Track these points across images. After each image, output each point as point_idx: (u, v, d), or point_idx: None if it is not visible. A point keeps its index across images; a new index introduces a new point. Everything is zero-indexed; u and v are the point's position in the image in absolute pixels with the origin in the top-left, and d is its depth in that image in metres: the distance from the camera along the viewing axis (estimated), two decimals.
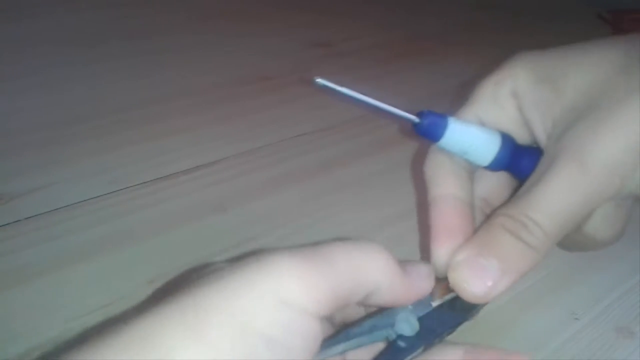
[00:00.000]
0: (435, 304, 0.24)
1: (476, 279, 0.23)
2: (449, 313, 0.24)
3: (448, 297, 0.25)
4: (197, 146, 0.50)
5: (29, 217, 0.40)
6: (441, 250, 0.26)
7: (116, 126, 0.52)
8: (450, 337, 0.25)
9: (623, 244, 0.42)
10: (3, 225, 0.39)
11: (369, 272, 0.21)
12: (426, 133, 0.27)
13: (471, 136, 0.27)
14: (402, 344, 0.23)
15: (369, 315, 0.24)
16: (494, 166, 0.28)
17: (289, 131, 0.53)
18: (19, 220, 0.40)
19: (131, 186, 0.44)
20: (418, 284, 0.23)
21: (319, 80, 0.27)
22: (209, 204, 0.43)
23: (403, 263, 0.23)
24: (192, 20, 0.80)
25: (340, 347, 0.22)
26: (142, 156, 0.48)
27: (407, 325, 0.23)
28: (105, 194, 0.43)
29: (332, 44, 0.75)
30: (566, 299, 0.37)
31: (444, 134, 0.27)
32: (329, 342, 0.22)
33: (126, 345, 0.17)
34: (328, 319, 0.23)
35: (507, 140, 0.28)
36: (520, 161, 0.28)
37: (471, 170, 0.29)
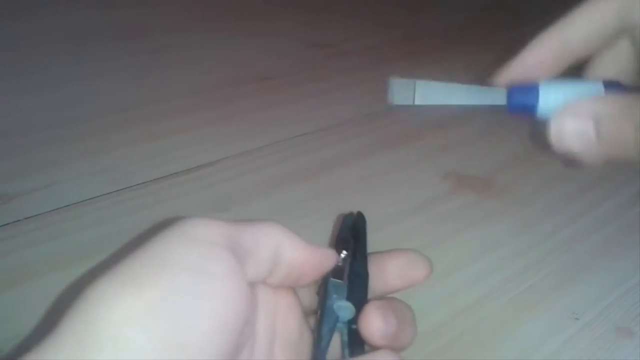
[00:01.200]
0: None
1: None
2: (356, 276, 0.27)
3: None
4: (197, 146, 0.50)
5: (29, 217, 0.40)
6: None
7: (116, 126, 0.52)
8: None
9: (623, 244, 0.42)
10: (3, 225, 0.39)
11: (269, 233, 0.24)
12: (520, 110, 0.26)
13: (570, 95, 0.25)
14: (354, 326, 0.25)
15: (316, 328, 0.26)
16: None
17: (289, 131, 0.53)
18: (19, 220, 0.40)
19: (131, 186, 0.44)
20: (321, 250, 0.25)
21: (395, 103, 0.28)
22: (209, 204, 0.43)
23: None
24: (192, 20, 0.80)
25: None
26: (142, 156, 0.48)
27: (346, 311, 0.26)
28: (105, 194, 0.43)
29: (332, 44, 0.75)
30: (566, 299, 0.37)
31: (538, 105, 0.25)
32: None
33: (75, 312, 0.18)
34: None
35: (610, 86, 0.26)
36: None
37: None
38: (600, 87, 0.26)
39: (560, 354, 0.33)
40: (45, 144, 0.49)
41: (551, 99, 0.25)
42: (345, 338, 0.25)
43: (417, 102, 0.27)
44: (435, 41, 0.79)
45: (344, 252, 0.27)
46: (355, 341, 0.25)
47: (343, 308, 0.26)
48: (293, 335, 0.25)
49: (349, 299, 0.26)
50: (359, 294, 0.27)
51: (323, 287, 0.26)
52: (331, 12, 0.87)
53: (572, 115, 0.24)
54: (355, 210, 0.30)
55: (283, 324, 0.25)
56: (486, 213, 0.45)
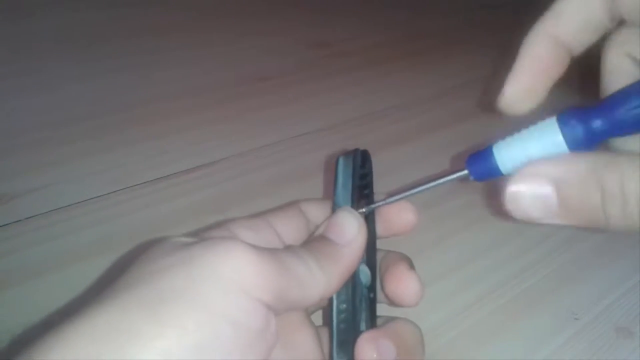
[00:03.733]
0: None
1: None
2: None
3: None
4: (197, 146, 0.50)
5: (29, 217, 0.40)
6: (517, 86, 0.25)
7: (116, 126, 0.52)
8: None
9: (623, 243, 0.42)
10: (3, 225, 0.39)
11: (316, 288, 0.22)
12: (486, 177, 0.25)
13: (526, 148, 0.23)
14: (371, 294, 0.26)
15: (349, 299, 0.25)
16: (576, 149, 0.23)
17: (289, 131, 0.53)
18: (19, 220, 0.40)
19: (131, 186, 0.44)
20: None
21: (369, 207, 0.27)
22: (209, 204, 0.43)
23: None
24: (192, 20, 0.80)
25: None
26: (142, 156, 0.48)
27: (366, 277, 0.26)
28: (105, 194, 0.43)
29: (332, 44, 0.75)
30: (566, 299, 0.37)
31: (499, 168, 0.24)
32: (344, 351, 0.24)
33: (96, 337, 0.18)
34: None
35: (567, 121, 0.22)
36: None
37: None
38: (556, 129, 0.22)
39: (560, 354, 0.33)
40: (44, 144, 0.49)
41: (508, 158, 0.24)
42: (363, 306, 0.26)
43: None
44: (435, 41, 0.80)
45: (365, 208, 0.27)
46: (372, 311, 0.25)
47: (364, 273, 0.26)
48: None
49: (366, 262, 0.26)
50: (372, 257, 0.27)
51: None
52: (331, 12, 0.87)
53: (529, 181, 0.22)
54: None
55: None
56: (486, 213, 0.45)
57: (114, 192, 0.44)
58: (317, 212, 0.29)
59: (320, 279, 0.22)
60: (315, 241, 0.24)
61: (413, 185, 0.26)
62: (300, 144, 0.52)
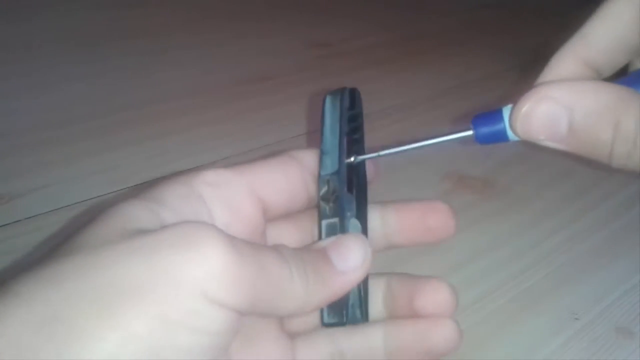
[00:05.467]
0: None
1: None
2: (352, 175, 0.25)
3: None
4: (197, 146, 0.50)
5: (29, 217, 0.40)
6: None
7: (116, 126, 0.52)
8: None
9: (623, 244, 0.42)
10: (3, 225, 0.39)
11: (289, 302, 0.20)
12: (489, 139, 0.23)
13: None
14: None
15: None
16: None
17: (289, 131, 0.53)
18: (19, 220, 0.40)
19: (131, 186, 0.44)
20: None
21: (358, 158, 0.25)
22: None
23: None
24: (192, 21, 0.80)
25: None
26: (142, 156, 0.48)
27: (356, 229, 0.24)
28: (105, 194, 0.43)
29: (332, 44, 0.75)
30: (566, 299, 0.37)
31: (506, 130, 0.23)
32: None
33: (34, 327, 0.16)
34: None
35: None
36: None
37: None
38: None
39: (560, 354, 0.33)
40: (45, 144, 0.49)
41: None
42: None
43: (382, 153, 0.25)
44: (435, 41, 0.79)
45: (354, 157, 0.25)
46: None
47: (354, 227, 0.24)
48: None
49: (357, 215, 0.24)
50: (362, 209, 0.25)
51: (334, 199, 0.24)
52: (331, 12, 0.87)
53: (545, 102, 0.21)
54: None
55: None
56: (486, 213, 0.45)
57: (114, 192, 0.44)
58: (315, 162, 0.26)
59: (299, 296, 0.20)
60: (312, 252, 0.22)
61: (412, 141, 0.25)
62: (300, 144, 0.52)
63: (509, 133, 0.22)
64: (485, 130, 0.23)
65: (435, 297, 0.25)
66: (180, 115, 0.55)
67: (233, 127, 0.54)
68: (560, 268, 0.39)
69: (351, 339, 0.25)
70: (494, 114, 0.23)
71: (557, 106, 0.21)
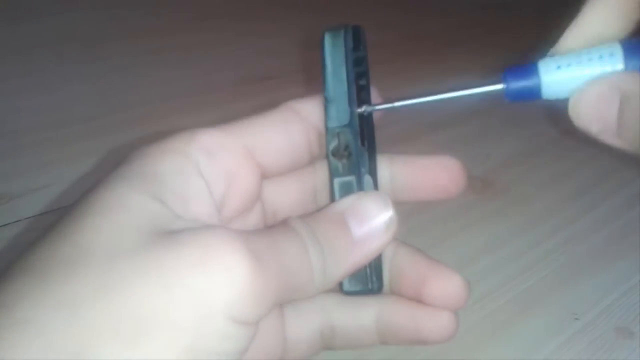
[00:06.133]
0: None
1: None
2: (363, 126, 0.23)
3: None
4: None
5: (29, 217, 0.40)
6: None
7: (116, 126, 0.52)
8: None
9: (623, 244, 0.42)
10: (3, 226, 0.39)
11: (308, 292, 0.19)
12: (521, 96, 0.21)
13: (580, 70, 0.20)
14: None
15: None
16: None
17: None
18: (19, 220, 0.40)
19: None
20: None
21: (369, 108, 0.23)
22: None
23: None
24: (192, 21, 0.80)
25: None
26: None
27: (369, 187, 0.22)
28: None
29: None
30: (566, 299, 0.37)
31: (541, 87, 0.21)
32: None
33: (51, 348, 0.14)
34: None
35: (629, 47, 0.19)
36: None
37: None
38: (619, 58, 0.19)
39: (560, 354, 0.33)
40: (45, 144, 0.49)
41: (554, 80, 0.20)
42: None
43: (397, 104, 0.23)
44: (435, 41, 0.79)
45: (365, 107, 0.22)
46: None
47: (368, 185, 0.22)
48: None
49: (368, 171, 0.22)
50: (373, 164, 0.23)
51: (347, 155, 0.22)
52: (330, 12, 0.87)
53: (596, 88, 0.19)
54: None
55: None
56: (486, 213, 0.45)
57: None
58: (319, 113, 0.23)
59: (318, 281, 0.19)
60: (327, 222, 0.20)
61: (431, 92, 0.22)
62: None
63: (544, 90, 0.20)
64: (518, 85, 0.21)
65: (447, 289, 0.23)
66: (181, 115, 0.55)
67: None
68: (560, 268, 0.39)
69: (344, 313, 0.24)
70: (529, 67, 0.21)
71: (612, 89, 0.18)
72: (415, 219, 0.43)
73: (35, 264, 0.17)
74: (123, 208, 0.18)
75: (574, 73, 0.20)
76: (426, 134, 0.55)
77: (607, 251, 0.41)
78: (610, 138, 0.19)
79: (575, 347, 0.33)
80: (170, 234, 0.17)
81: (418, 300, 0.23)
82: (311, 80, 0.65)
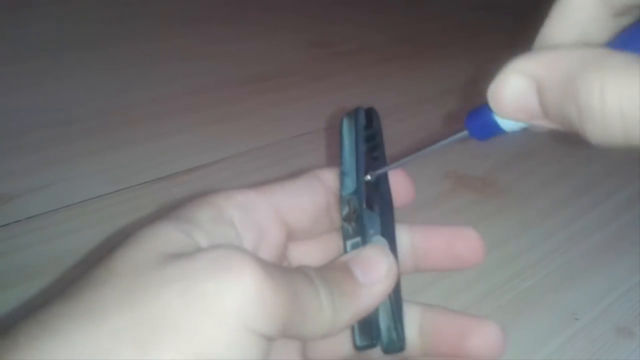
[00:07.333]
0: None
1: None
2: (375, 193, 0.25)
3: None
4: (197, 146, 0.50)
5: (29, 217, 0.40)
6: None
7: (116, 126, 0.52)
8: None
9: (623, 244, 0.42)
10: (3, 226, 0.39)
11: (317, 327, 0.20)
12: (485, 135, 0.22)
13: None
14: None
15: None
16: None
17: (289, 131, 0.53)
18: (19, 220, 0.40)
19: (131, 186, 0.44)
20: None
21: (370, 175, 0.25)
22: None
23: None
24: (192, 21, 0.80)
25: None
26: (142, 156, 0.48)
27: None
28: (105, 194, 0.43)
29: (331, 44, 0.75)
30: (566, 299, 0.37)
31: (500, 125, 0.21)
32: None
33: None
34: None
35: None
36: None
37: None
38: None
39: (560, 354, 0.33)
40: (45, 144, 0.49)
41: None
42: None
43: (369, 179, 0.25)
44: (435, 41, 0.79)
45: (369, 174, 0.24)
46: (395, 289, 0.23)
47: (379, 243, 0.24)
48: None
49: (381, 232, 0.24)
50: (389, 227, 0.24)
51: (355, 218, 0.24)
52: (331, 12, 0.87)
53: (514, 75, 0.18)
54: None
55: None
56: (486, 213, 0.45)
57: (114, 192, 0.43)
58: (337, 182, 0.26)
59: (328, 317, 0.20)
60: (335, 270, 0.21)
61: (413, 151, 0.25)
62: (300, 144, 0.52)
63: (502, 123, 0.21)
64: (476, 125, 0.22)
65: (489, 339, 0.24)
66: (180, 115, 0.55)
67: (233, 127, 0.54)
68: (560, 268, 0.39)
69: None
70: (482, 107, 0.21)
71: (525, 80, 0.18)
72: (416, 219, 0.43)
73: (71, 287, 0.18)
74: (153, 237, 0.19)
75: None
76: (427, 134, 0.55)
77: (607, 251, 0.41)
78: (540, 121, 0.19)
79: (575, 347, 0.33)
80: (189, 253, 0.18)
81: (456, 356, 0.24)
82: (310, 81, 0.65)
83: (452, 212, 0.45)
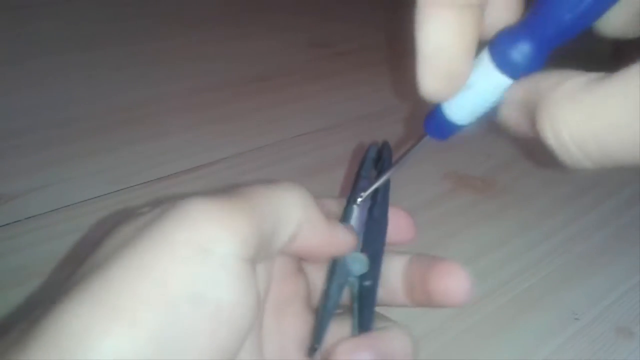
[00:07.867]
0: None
1: None
2: (374, 223, 0.25)
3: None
4: (197, 146, 0.50)
5: (29, 217, 0.40)
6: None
7: (116, 126, 0.52)
8: None
9: (623, 244, 0.42)
10: (3, 226, 0.39)
11: (290, 208, 0.20)
12: (443, 134, 0.23)
13: (474, 94, 0.21)
14: (366, 282, 0.23)
15: (327, 282, 0.23)
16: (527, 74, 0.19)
17: (289, 131, 0.53)
18: (19, 220, 0.40)
19: (131, 186, 0.44)
20: (340, 229, 0.23)
21: (359, 199, 0.26)
22: None
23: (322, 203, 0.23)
24: (192, 21, 0.80)
25: (329, 327, 0.22)
26: (142, 156, 0.48)
27: (360, 264, 0.23)
28: (105, 194, 0.43)
29: (332, 44, 0.75)
30: (566, 299, 0.37)
31: (452, 120, 0.22)
32: (316, 337, 0.22)
33: (54, 344, 0.16)
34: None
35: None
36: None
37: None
38: (490, 66, 0.19)
39: (560, 354, 0.33)
40: (44, 144, 0.49)
41: (457, 108, 0.22)
42: (355, 294, 0.23)
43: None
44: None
45: (361, 196, 0.25)
46: (366, 302, 0.22)
47: (356, 260, 0.23)
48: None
49: (363, 250, 0.23)
50: (375, 245, 0.24)
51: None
52: (331, 12, 0.87)
53: (506, 115, 0.20)
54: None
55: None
56: (486, 213, 0.45)
57: (114, 192, 0.43)
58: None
59: (294, 193, 0.21)
60: None
61: (394, 164, 0.27)
62: (300, 144, 0.52)
63: (455, 117, 0.22)
64: (433, 126, 0.23)
65: (452, 284, 0.23)
66: (180, 115, 0.55)
67: (233, 127, 0.54)
68: (560, 268, 0.39)
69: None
70: (435, 111, 0.23)
71: (514, 106, 0.19)
72: (416, 219, 0.43)
73: (63, 288, 0.18)
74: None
75: (469, 97, 0.21)
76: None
77: (607, 251, 0.41)
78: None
79: (575, 347, 0.34)
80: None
81: (428, 302, 0.24)
82: (310, 81, 0.65)
83: (452, 212, 0.45)
